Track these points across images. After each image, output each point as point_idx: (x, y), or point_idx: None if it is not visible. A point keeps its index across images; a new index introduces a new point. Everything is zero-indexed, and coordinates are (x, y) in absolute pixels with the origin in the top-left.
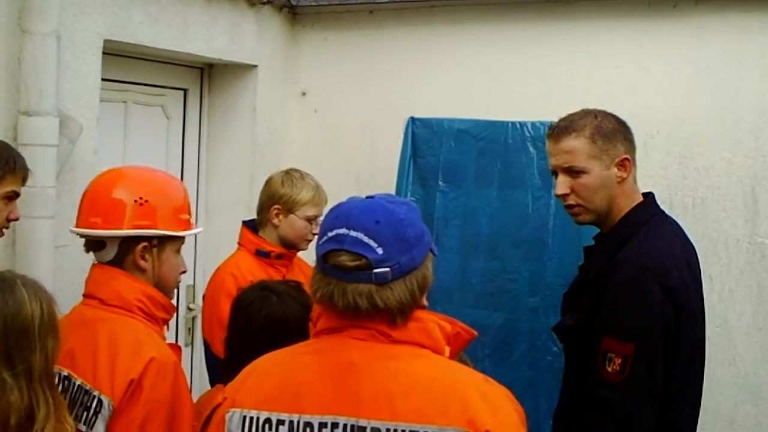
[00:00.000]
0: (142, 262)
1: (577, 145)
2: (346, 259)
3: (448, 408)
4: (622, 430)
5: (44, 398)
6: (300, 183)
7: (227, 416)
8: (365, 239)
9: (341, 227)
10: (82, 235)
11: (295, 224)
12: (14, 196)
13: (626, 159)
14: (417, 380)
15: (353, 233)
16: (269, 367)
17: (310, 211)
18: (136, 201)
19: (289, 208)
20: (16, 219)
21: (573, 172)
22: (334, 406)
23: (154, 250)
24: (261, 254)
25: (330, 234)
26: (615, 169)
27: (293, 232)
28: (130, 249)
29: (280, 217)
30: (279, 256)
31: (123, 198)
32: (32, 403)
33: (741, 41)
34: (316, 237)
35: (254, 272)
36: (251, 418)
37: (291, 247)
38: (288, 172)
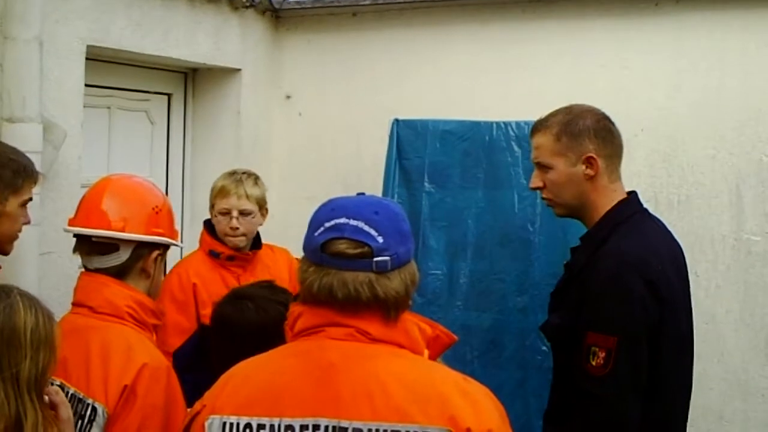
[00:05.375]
0: (151, 270)
1: (543, 141)
2: (347, 247)
3: (429, 406)
4: (607, 423)
5: (32, 407)
6: (222, 176)
7: (207, 423)
8: (366, 228)
9: (340, 217)
10: (101, 237)
11: (215, 219)
12: (29, 201)
13: (592, 157)
14: (397, 379)
15: (353, 222)
16: (248, 373)
17: (220, 204)
18: (153, 209)
19: (211, 202)
20: (29, 222)
21: (542, 166)
22: (315, 408)
23: (158, 258)
24: (212, 255)
25: (328, 224)
26: (582, 167)
27: (216, 228)
28: (143, 255)
29: (212, 215)
30: (230, 258)
31: (145, 204)
32: (19, 412)
33: (723, 39)
34: (308, 230)
35: (202, 273)
36: (231, 424)
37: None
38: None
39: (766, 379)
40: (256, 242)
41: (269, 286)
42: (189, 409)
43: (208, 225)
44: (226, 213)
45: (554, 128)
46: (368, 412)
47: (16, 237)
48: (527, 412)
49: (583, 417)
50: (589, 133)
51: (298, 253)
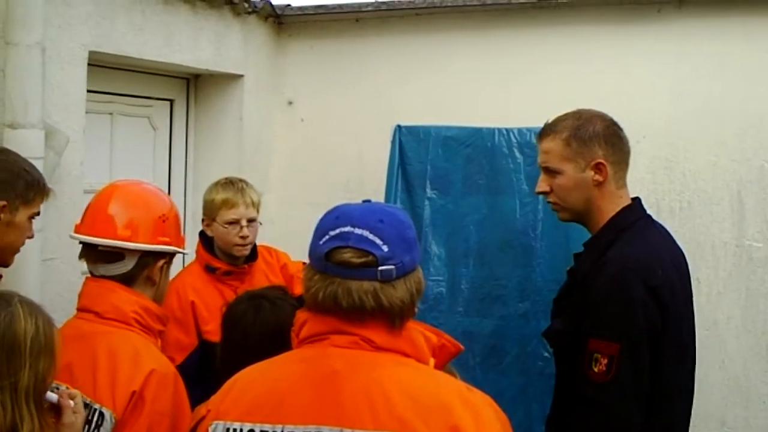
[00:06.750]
0: (156, 278)
1: (553, 146)
2: (352, 256)
3: (431, 416)
4: (609, 430)
5: (29, 416)
6: (217, 188)
7: (211, 429)
8: (371, 237)
9: (345, 226)
10: (107, 246)
11: (218, 231)
12: (37, 215)
13: (601, 163)
14: (400, 388)
15: (358, 231)
16: (252, 378)
17: (227, 215)
18: (160, 217)
19: (211, 215)
20: (32, 236)
21: (550, 171)
22: (317, 415)
23: (164, 266)
24: (209, 270)
25: (333, 233)
26: (591, 172)
27: (219, 240)
28: (149, 264)
29: (211, 226)
30: (227, 273)
31: (152, 212)
32: (15, 420)
33: (724, 45)
34: (313, 238)
35: (200, 289)
36: (234, 430)
37: (230, 256)
38: (219, 180)
39: (767, 386)
40: (251, 253)
41: (281, 289)
42: (193, 413)
43: (204, 238)
44: (235, 222)
45: (564, 133)
46: (370, 421)
47: (18, 250)
48: (529, 418)
49: (586, 423)
50: (600, 138)
51: (300, 257)
